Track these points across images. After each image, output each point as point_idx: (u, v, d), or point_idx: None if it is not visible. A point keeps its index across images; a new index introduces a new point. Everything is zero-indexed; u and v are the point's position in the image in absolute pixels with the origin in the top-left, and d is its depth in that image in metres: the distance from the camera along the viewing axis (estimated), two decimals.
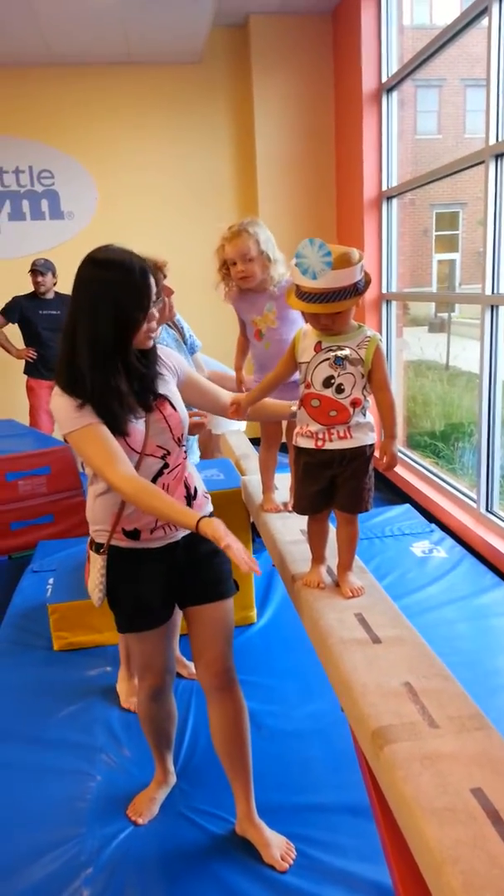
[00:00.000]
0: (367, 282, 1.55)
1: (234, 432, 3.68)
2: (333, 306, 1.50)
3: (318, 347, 1.58)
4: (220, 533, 1.48)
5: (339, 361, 1.57)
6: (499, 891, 0.86)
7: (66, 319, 1.54)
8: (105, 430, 1.54)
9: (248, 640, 2.86)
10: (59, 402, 1.54)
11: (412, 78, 4.51)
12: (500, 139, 3.31)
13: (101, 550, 1.68)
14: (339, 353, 1.57)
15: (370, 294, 5.04)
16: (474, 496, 3.84)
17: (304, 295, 1.51)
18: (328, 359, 1.57)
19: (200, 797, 2.03)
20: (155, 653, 1.81)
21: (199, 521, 1.51)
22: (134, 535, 1.66)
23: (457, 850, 0.92)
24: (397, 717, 1.20)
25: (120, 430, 1.56)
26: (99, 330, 1.50)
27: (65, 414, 1.54)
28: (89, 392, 1.52)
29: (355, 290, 1.51)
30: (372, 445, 1.64)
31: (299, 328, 1.68)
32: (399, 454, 1.59)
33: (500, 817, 0.97)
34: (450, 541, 3.75)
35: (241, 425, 3.80)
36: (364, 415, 1.62)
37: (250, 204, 5.67)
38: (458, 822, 0.97)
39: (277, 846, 1.82)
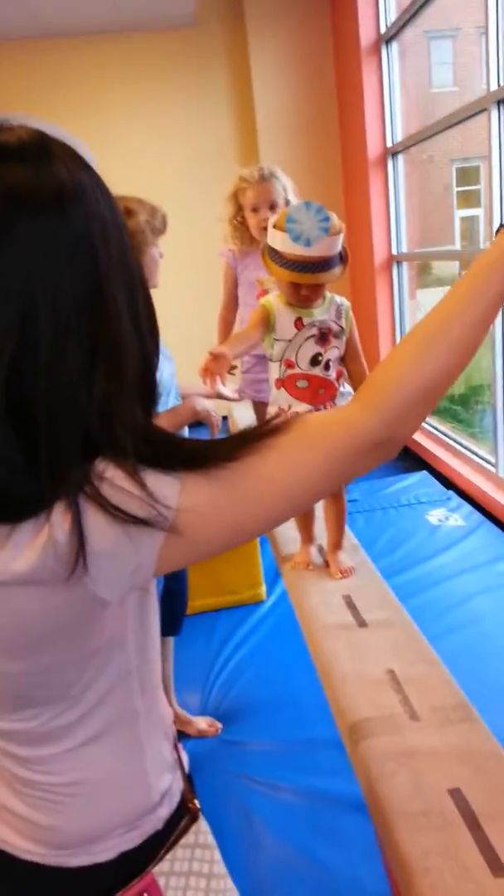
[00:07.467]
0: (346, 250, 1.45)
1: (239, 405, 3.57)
2: (326, 276, 1.39)
3: (299, 324, 1.47)
4: None
5: (325, 336, 1.47)
6: None
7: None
8: None
9: (258, 618, 2.79)
10: None
11: (424, 29, 4.28)
12: (501, 85, 3.12)
13: None
14: (322, 327, 1.47)
15: (379, 256, 4.87)
16: (493, 460, 3.70)
17: (292, 263, 1.37)
18: (313, 335, 1.47)
19: None
20: None
21: None
22: None
23: (427, 860, 0.84)
24: (376, 708, 1.12)
25: None
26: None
27: None
28: None
29: (342, 259, 1.41)
30: None
31: (267, 299, 1.55)
32: None
33: (477, 822, 0.88)
34: (467, 507, 3.62)
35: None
36: (344, 385, 1.53)
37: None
38: (431, 827, 0.89)
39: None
